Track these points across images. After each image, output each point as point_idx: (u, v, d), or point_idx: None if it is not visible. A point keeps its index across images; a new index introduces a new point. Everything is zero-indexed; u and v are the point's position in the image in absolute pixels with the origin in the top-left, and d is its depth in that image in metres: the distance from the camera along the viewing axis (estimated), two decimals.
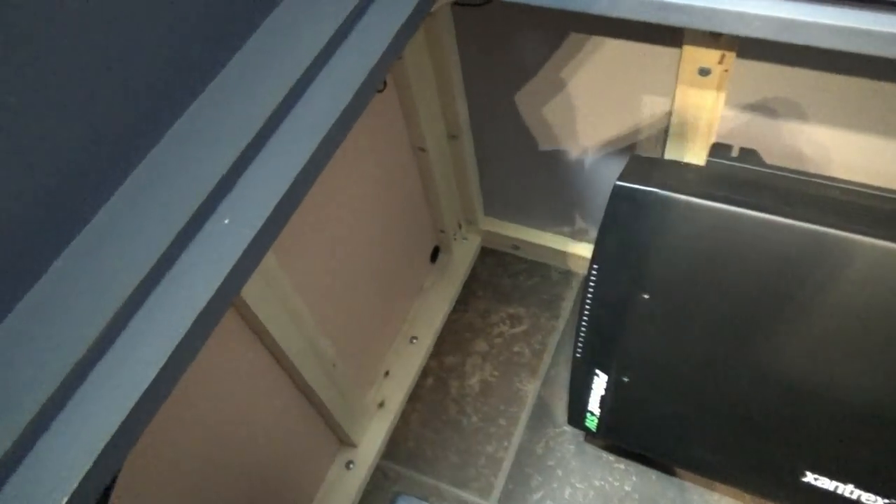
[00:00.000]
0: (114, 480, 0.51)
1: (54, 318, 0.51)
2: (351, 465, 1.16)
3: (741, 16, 0.65)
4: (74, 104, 0.52)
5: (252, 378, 0.86)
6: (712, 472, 1.06)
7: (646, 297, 0.90)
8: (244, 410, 0.87)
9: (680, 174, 0.89)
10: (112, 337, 0.51)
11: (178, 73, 0.60)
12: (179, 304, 0.52)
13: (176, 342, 0.51)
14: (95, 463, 0.46)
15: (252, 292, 0.75)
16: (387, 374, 1.26)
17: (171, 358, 0.50)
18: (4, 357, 0.49)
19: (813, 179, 0.86)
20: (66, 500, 0.45)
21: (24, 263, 0.51)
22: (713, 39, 0.79)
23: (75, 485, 0.45)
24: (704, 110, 0.89)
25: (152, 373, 0.49)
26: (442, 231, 1.34)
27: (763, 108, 0.89)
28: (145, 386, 0.49)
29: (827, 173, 0.90)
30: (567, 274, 1.39)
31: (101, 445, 0.47)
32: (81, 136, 0.53)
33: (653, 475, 1.14)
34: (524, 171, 1.24)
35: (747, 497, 1.10)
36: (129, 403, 0.48)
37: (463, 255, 1.41)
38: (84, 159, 0.53)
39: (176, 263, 0.54)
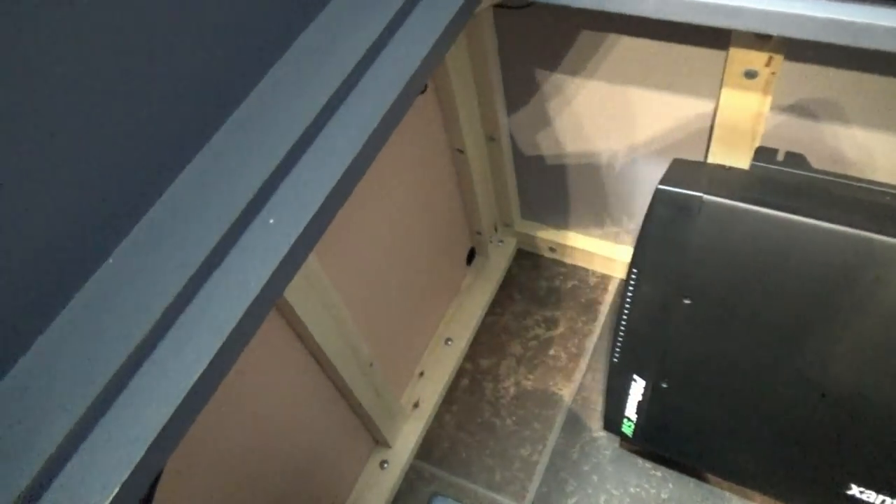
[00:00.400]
0: (159, 475, 0.52)
1: (104, 314, 0.52)
2: (385, 465, 1.17)
3: (794, 17, 0.64)
4: (125, 104, 0.53)
5: (291, 376, 0.87)
6: (752, 482, 1.04)
7: (687, 302, 0.88)
8: (283, 408, 0.88)
9: (723, 178, 0.87)
10: (159, 335, 0.52)
11: (225, 75, 0.61)
12: (226, 304, 0.53)
13: (221, 341, 0.51)
14: (142, 458, 0.47)
15: (294, 292, 0.76)
16: (421, 374, 1.26)
17: (215, 357, 0.51)
18: (58, 350, 0.51)
19: (860, 184, 0.84)
20: (114, 493, 0.46)
21: (76, 262, 0.53)
22: (761, 41, 0.78)
23: (123, 478, 0.46)
24: (749, 113, 0.88)
25: (197, 372, 0.50)
26: (478, 233, 1.34)
27: (809, 111, 0.87)
28: (190, 384, 0.50)
29: (874, 178, 0.88)
30: (604, 277, 1.38)
31: (148, 442, 0.48)
32: (133, 135, 0.54)
33: (690, 483, 1.12)
34: (562, 173, 1.23)
35: None
36: (176, 401, 0.49)
37: (499, 258, 1.40)
38: (136, 158, 0.55)
39: (223, 262, 0.55)
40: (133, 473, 0.47)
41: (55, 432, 0.47)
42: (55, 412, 0.48)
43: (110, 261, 0.54)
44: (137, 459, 0.47)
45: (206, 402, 0.52)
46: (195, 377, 0.50)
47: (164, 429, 0.48)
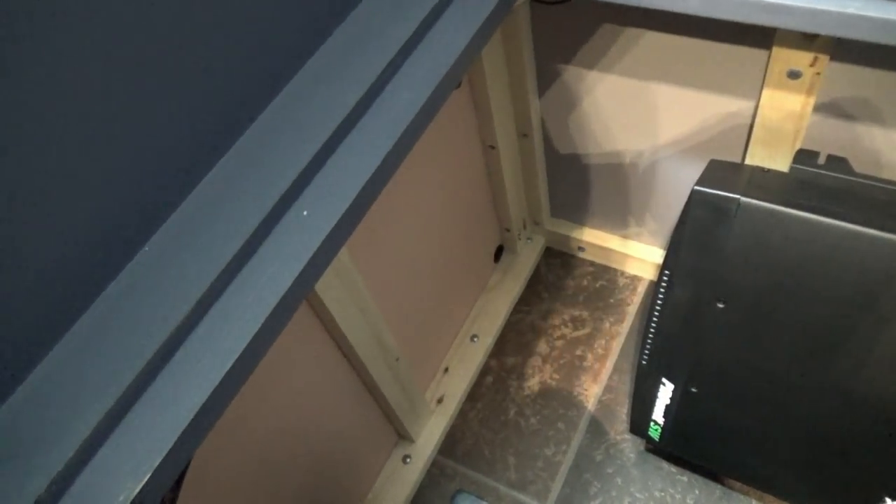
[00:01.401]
0: (187, 464, 0.52)
1: (138, 303, 0.52)
2: (408, 460, 1.17)
3: (845, 17, 0.62)
4: (163, 97, 0.53)
5: (318, 369, 0.88)
6: (782, 492, 1.02)
7: (720, 306, 0.87)
8: (309, 400, 0.88)
9: (762, 181, 0.85)
10: (191, 325, 0.52)
11: (260, 69, 0.61)
12: (258, 296, 0.53)
13: (252, 333, 0.51)
14: (172, 447, 0.47)
15: (325, 285, 0.76)
16: (446, 370, 1.26)
17: (246, 349, 0.51)
18: (93, 337, 0.51)
19: None
20: (145, 481, 0.46)
21: (113, 249, 0.53)
22: (807, 41, 0.76)
23: (154, 465, 0.46)
24: (791, 115, 0.86)
25: (228, 363, 0.50)
26: (507, 230, 1.33)
27: (853, 113, 0.85)
28: (221, 376, 0.50)
29: None
30: (633, 278, 1.36)
31: (179, 430, 0.48)
32: (170, 126, 0.54)
33: (717, 490, 1.10)
34: (593, 171, 1.22)
35: None
36: (206, 391, 0.49)
37: (527, 256, 1.39)
38: (173, 149, 0.55)
39: (256, 253, 0.55)
40: (163, 462, 0.47)
41: (89, 418, 0.47)
42: (89, 398, 0.48)
43: (146, 248, 0.55)
44: (168, 448, 0.47)
45: (235, 393, 0.52)
46: (225, 368, 0.50)
47: (195, 418, 0.48)
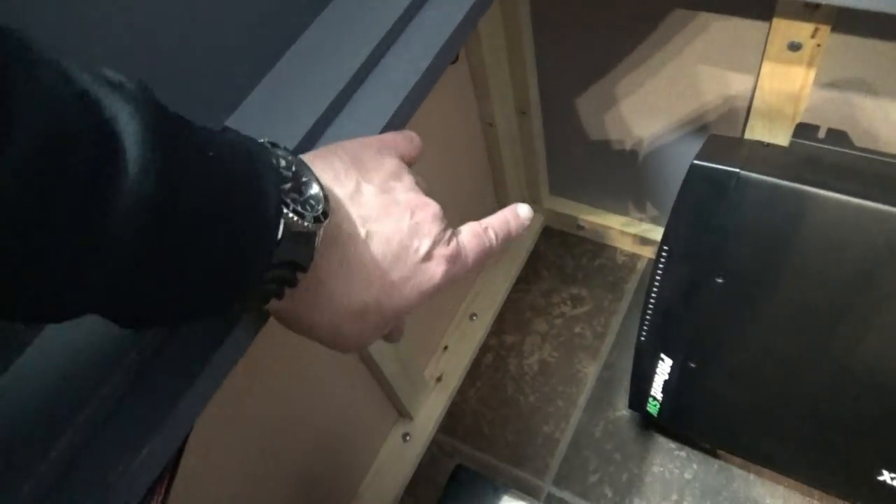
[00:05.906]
0: (186, 438, 0.52)
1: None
2: (407, 438, 1.17)
3: None
4: None
5: (317, 346, 0.87)
6: (780, 465, 1.03)
7: (720, 281, 0.86)
8: (307, 378, 0.89)
9: (762, 154, 0.85)
10: None
11: (249, 48, 0.60)
12: None
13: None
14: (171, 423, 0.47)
15: None
16: (445, 349, 1.26)
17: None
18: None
19: None
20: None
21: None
22: (808, 11, 0.75)
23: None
24: (791, 88, 0.85)
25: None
26: None
27: (855, 86, 0.84)
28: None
29: None
30: (632, 256, 1.36)
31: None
32: None
33: (715, 465, 1.11)
34: (592, 149, 1.21)
35: (816, 493, 1.06)
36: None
37: (526, 234, 1.39)
38: None
39: None
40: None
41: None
42: None
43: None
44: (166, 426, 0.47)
45: (228, 371, 0.52)
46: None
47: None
